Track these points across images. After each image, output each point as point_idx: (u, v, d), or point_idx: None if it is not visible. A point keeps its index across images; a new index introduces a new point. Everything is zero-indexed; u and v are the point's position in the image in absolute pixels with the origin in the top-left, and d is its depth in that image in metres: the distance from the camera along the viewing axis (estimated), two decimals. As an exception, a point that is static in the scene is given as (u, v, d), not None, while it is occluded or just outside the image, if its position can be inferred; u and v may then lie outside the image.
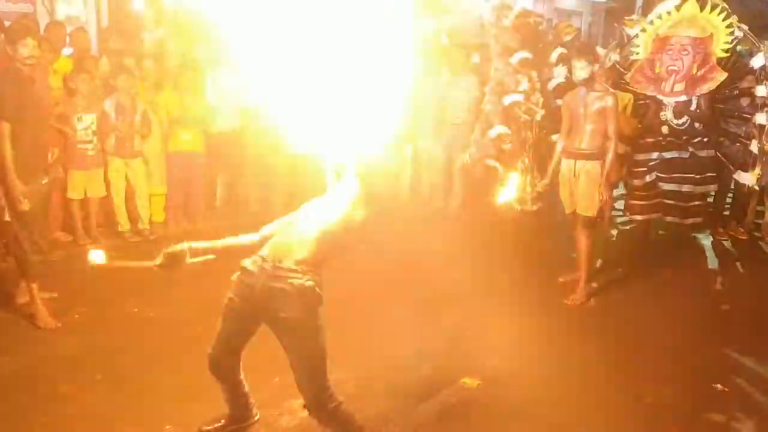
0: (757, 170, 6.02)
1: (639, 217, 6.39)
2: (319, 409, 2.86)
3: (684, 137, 6.08)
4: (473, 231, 6.50)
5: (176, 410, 3.45)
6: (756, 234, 6.87)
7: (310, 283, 2.73)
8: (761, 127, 6.00)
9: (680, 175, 6.03)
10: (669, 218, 6.29)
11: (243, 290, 2.87)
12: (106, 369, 3.85)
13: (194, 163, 6.42)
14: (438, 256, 5.92)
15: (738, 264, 6.26)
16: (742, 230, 6.79)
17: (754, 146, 6.01)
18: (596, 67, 4.97)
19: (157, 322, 4.52)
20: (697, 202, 6.08)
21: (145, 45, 7.01)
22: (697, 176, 6.04)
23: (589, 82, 4.86)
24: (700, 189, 6.08)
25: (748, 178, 6.11)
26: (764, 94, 6.00)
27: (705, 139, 6.14)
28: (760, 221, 6.98)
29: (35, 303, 4.40)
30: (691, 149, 6.07)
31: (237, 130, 6.72)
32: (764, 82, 6.02)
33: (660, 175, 6.07)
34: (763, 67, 6.03)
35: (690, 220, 6.17)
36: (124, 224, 6.11)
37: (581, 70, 4.82)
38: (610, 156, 4.86)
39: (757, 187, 6.30)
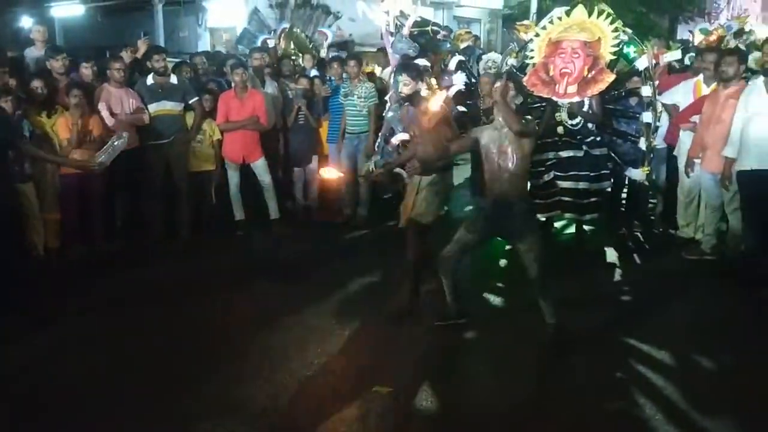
0: (647, 166, 6.33)
1: (540, 216, 6.58)
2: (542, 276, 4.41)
3: (578, 137, 6.31)
4: (380, 239, 6.58)
5: None
6: (650, 227, 7.22)
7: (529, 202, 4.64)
8: (648, 125, 6.31)
9: (576, 173, 6.25)
10: (568, 215, 6.53)
11: (487, 212, 4.49)
12: None
13: (90, 184, 6.15)
14: (346, 264, 5.93)
15: (635, 255, 6.54)
16: (637, 223, 7.10)
17: (642, 144, 6.31)
18: (421, 84, 4.98)
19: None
20: (593, 199, 6.31)
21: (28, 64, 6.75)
22: (592, 174, 6.28)
23: (414, 98, 4.90)
24: (595, 186, 6.32)
25: (638, 174, 6.40)
26: (649, 94, 6.31)
27: (598, 138, 6.39)
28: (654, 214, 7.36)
29: None
30: (585, 148, 6.31)
31: (136, 148, 6.51)
32: (648, 82, 6.35)
33: (557, 173, 6.29)
34: (647, 69, 6.35)
35: (588, 216, 6.41)
36: (16, 252, 5.78)
37: (404, 86, 4.84)
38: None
39: (647, 183, 6.62)
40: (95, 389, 3.89)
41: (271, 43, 9.15)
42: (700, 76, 6.43)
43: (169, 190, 6.76)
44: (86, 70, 6.58)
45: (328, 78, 7.83)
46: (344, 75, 7.48)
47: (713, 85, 6.17)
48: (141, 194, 6.75)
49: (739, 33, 8.86)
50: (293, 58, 8.52)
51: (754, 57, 7.48)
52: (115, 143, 5.79)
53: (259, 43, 9.03)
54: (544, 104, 6.53)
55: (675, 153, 6.66)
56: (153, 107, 6.53)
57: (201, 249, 6.58)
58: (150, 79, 6.61)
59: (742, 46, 7.67)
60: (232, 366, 4.18)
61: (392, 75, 6.13)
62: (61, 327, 4.75)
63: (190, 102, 6.74)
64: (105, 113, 6.25)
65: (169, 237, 6.71)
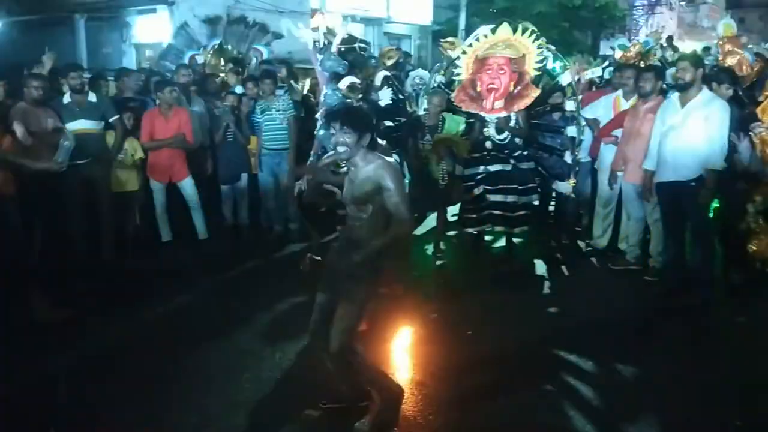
0: (573, 179, 6.47)
1: (471, 230, 6.64)
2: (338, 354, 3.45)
3: (506, 151, 6.40)
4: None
5: None
6: (577, 238, 7.37)
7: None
8: (573, 139, 6.47)
9: (505, 186, 6.33)
10: (498, 228, 6.59)
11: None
12: None
13: (3, 207, 5.85)
14: (277, 283, 5.82)
15: (563, 266, 6.65)
16: (564, 235, 7.24)
17: (568, 157, 6.46)
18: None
19: None
20: (522, 212, 6.40)
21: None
22: (520, 187, 6.37)
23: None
24: (523, 199, 6.41)
25: (565, 187, 6.54)
26: (573, 109, 6.48)
27: (525, 152, 6.49)
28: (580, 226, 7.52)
29: None
30: (513, 162, 6.39)
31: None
32: (572, 97, 6.51)
33: (487, 187, 6.35)
34: (570, 84, 6.52)
35: (518, 229, 6.49)
36: None
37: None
38: None
39: (573, 195, 6.77)
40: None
41: (200, 59, 8.97)
42: (619, 92, 6.64)
43: (91, 213, 6.51)
44: (-1, 88, 6.31)
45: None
46: (260, 93, 7.39)
47: (632, 100, 6.37)
48: (60, 217, 6.46)
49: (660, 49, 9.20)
50: (222, 75, 8.38)
51: (671, 72, 7.77)
52: (65, 143, 5.50)
53: (186, 60, 8.83)
54: (474, 120, 6.60)
55: (596, 166, 6.83)
56: (71, 126, 6.28)
57: (126, 272, 6.35)
58: (67, 98, 6.37)
59: (657, 61, 7.95)
60: (159, 391, 4.02)
61: (323, 92, 6.11)
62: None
63: (110, 120, 6.52)
64: (21, 132, 5.97)
65: (92, 261, 6.45)
